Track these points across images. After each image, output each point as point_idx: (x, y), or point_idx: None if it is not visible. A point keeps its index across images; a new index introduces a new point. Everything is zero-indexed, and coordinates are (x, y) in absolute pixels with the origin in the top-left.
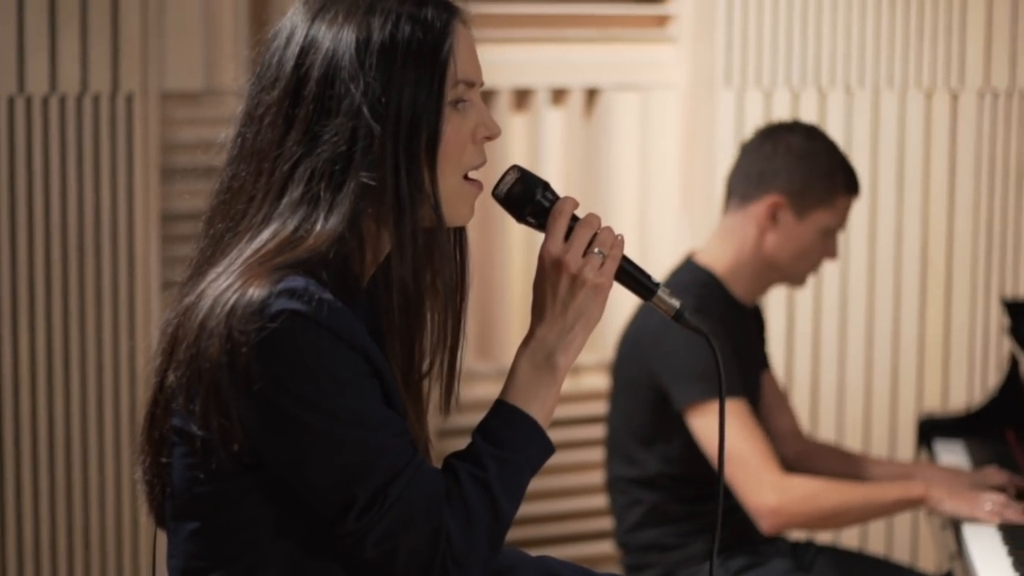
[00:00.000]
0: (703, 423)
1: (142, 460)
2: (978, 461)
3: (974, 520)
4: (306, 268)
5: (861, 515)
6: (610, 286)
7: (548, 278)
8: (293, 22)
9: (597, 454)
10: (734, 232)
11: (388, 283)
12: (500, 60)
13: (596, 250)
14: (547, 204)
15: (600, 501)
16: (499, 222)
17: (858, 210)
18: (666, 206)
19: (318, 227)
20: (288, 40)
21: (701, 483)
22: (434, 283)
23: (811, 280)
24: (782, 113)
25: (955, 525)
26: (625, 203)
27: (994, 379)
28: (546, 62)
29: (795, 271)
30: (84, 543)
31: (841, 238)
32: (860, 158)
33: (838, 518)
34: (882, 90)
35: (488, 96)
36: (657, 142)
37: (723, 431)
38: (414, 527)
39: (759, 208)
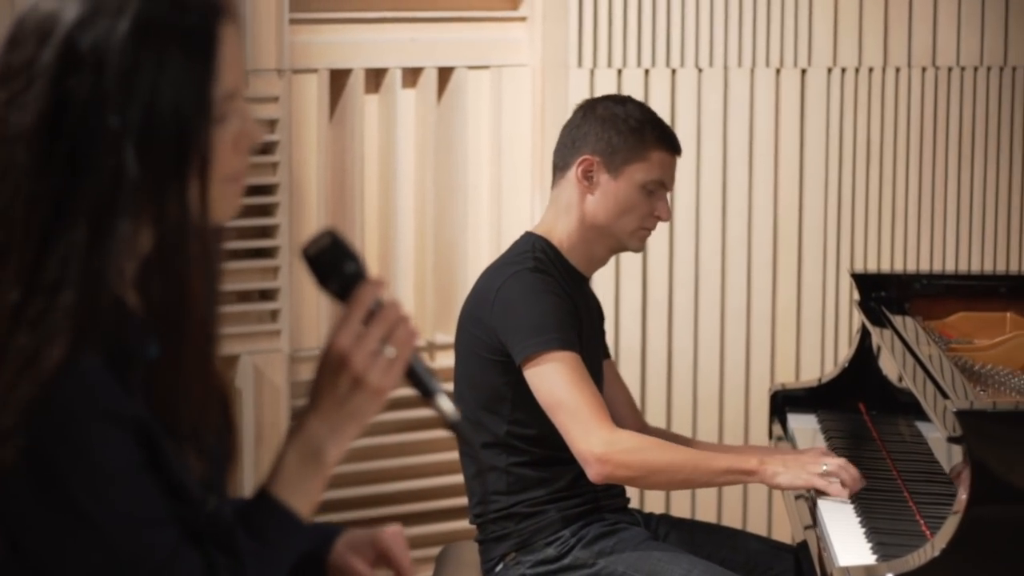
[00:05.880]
0: (536, 374)
1: None
2: (831, 433)
3: (811, 485)
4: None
5: (690, 477)
6: (392, 389)
7: (331, 371)
8: (47, 8)
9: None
10: (558, 200)
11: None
12: (353, 41)
13: (387, 348)
14: (352, 282)
15: (450, 480)
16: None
17: (710, 185)
18: (520, 185)
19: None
20: (42, 38)
21: (552, 446)
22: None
23: (664, 255)
24: (635, 92)
25: (810, 498)
26: (479, 182)
27: (845, 352)
28: (399, 42)
29: (622, 231)
30: None
31: (693, 213)
32: (711, 135)
33: (665, 475)
34: (731, 68)
35: (341, 76)
36: (510, 121)
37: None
38: None
39: (574, 172)
